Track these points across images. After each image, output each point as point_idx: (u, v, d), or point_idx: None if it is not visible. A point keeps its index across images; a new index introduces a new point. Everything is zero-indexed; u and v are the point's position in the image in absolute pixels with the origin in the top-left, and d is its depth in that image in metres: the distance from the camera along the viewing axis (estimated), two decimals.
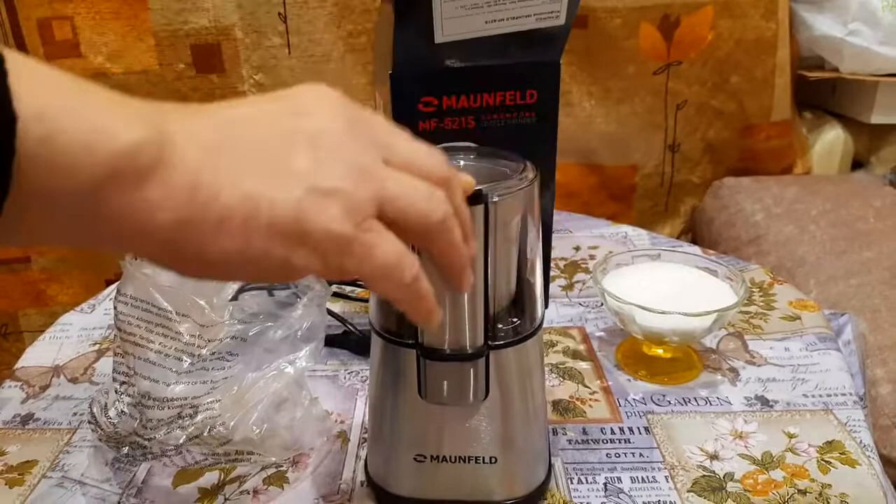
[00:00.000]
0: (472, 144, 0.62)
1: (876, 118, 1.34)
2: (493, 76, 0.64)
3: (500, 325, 0.47)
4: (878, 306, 0.91)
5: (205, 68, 1.21)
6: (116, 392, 0.55)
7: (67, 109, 0.26)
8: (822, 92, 1.44)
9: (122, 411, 0.53)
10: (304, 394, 0.58)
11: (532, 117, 0.66)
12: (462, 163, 0.49)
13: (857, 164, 1.45)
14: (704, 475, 0.54)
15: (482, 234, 0.43)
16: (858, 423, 0.59)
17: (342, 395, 0.65)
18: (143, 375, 0.54)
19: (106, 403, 0.55)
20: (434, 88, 0.64)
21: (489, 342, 0.46)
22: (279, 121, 0.32)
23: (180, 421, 0.52)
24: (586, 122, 1.32)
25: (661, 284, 0.67)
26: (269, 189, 0.30)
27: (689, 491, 0.53)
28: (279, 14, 1.19)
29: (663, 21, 1.23)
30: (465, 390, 0.46)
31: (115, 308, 0.57)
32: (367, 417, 0.60)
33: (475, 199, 0.41)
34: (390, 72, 0.63)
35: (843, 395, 0.63)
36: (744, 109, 1.33)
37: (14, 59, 0.25)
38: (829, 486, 0.53)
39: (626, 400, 0.63)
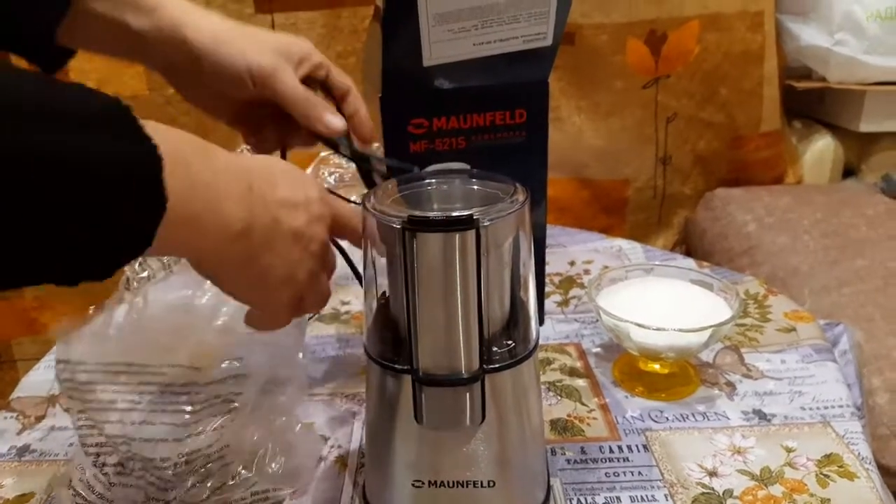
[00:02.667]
0: (464, 166, 0.63)
1: (865, 126, 1.35)
2: (482, 97, 0.64)
3: (494, 348, 0.47)
4: (872, 315, 0.91)
5: None
6: (95, 465, 0.52)
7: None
8: (811, 101, 1.45)
9: (112, 483, 0.52)
10: (297, 419, 0.57)
11: (522, 136, 0.66)
12: (454, 186, 0.50)
13: (848, 172, 1.46)
14: (704, 492, 0.54)
15: (474, 258, 0.43)
16: (856, 435, 0.59)
17: (338, 420, 0.65)
18: (141, 439, 0.51)
19: (87, 480, 0.52)
20: (424, 110, 0.64)
21: (484, 366, 0.45)
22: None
23: (197, 474, 0.51)
24: (576, 136, 1.32)
25: (656, 300, 0.68)
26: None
27: None
28: None
29: (650, 36, 1.24)
30: (462, 415, 0.46)
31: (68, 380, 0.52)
32: (364, 442, 0.60)
33: (467, 223, 0.42)
34: (380, 95, 0.63)
35: (841, 406, 0.63)
36: (733, 121, 1.33)
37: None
38: (829, 500, 0.53)
39: (623, 417, 0.63)
